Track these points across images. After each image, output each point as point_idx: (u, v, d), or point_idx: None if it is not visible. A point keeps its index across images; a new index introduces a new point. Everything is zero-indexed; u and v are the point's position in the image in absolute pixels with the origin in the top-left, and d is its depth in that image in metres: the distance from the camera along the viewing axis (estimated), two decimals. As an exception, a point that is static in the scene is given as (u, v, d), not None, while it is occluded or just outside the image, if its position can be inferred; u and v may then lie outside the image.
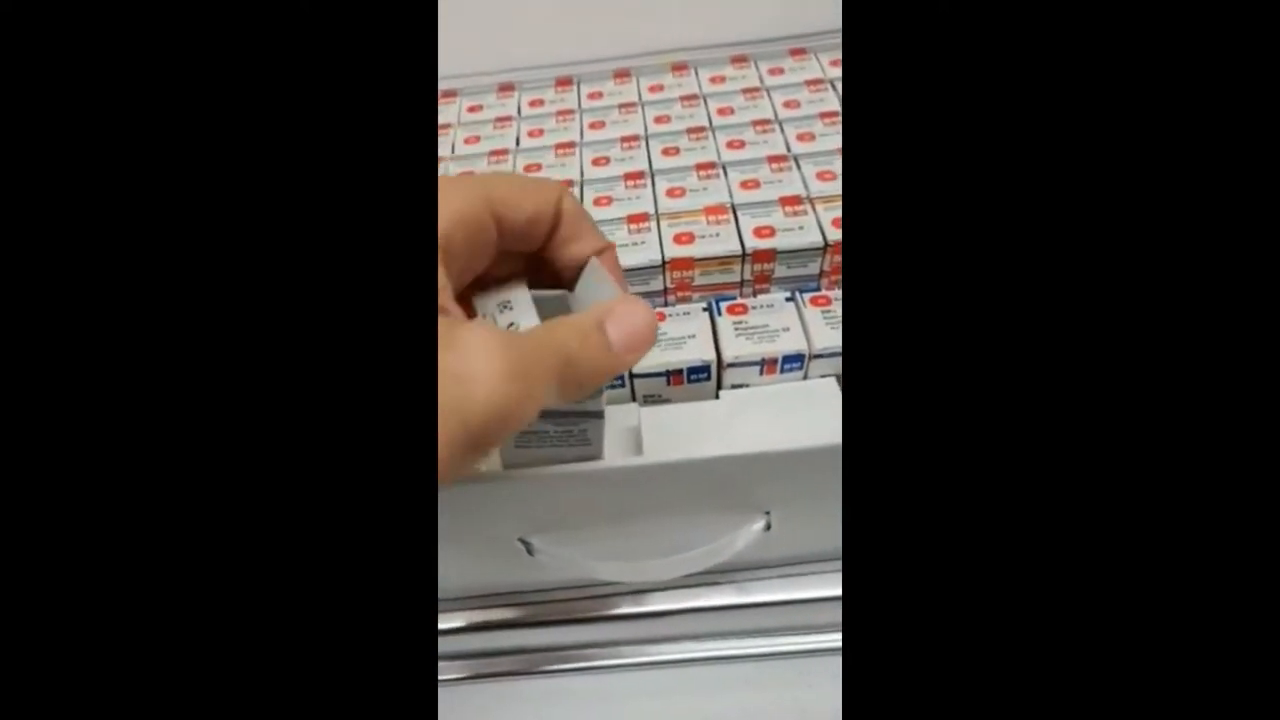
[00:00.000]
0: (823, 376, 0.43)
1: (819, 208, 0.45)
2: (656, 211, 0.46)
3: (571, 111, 0.58)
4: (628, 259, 0.43)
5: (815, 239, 0.43)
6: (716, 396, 0.43)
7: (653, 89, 0.60)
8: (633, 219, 0.46)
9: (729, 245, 0.43)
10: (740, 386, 0.43)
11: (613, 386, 0.42)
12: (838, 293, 0.44)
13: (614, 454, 0.39)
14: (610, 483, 0.35)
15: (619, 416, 0.41)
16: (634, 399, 0.43)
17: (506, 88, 0.63)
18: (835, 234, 0.43)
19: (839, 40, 0.63)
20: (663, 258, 0.43)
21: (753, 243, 0.43)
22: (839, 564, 0.43)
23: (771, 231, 0.43)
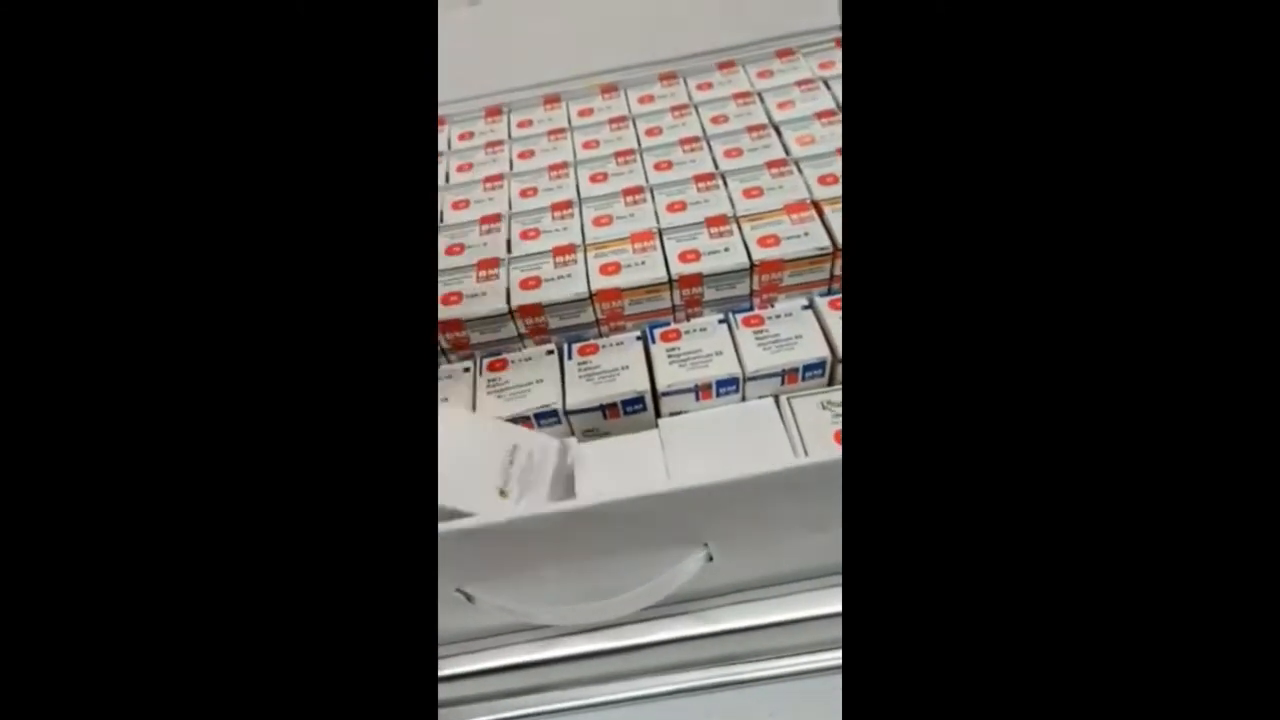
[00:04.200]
0: (760, 398, 0.42)
1: (744, 226, 0.45)
2: (583, 242, 0.46)
3: (501, 143, 0.58)
4: (554, 294, 0.42)
5: (740, 260, 0.42)
6: (656, 425, 0.42)
7: (582, 113, 0.60)
8: (559, 251, 0.45)
9: (655, 273, 0.42)
10: (679, 413, 0.42)
11: (550, 424, 0.41)
12: (769, 311, 0.44)
13: (548, 496, 0.38)
14: (543, 529, 0.34)
15: (555, 454, 0.41)
16: (572, 434, 0.42)
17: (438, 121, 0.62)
18: (761, 253, 0.43)
19: (767, 51, 0.63)
20: (589, 290, 0.42)
21: (678, 268, 0.42)
22: (792, 586, 0.43)
23: (697, 255, 0.43)
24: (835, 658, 0.43)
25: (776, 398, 0.42)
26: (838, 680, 0.45)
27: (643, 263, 0.43)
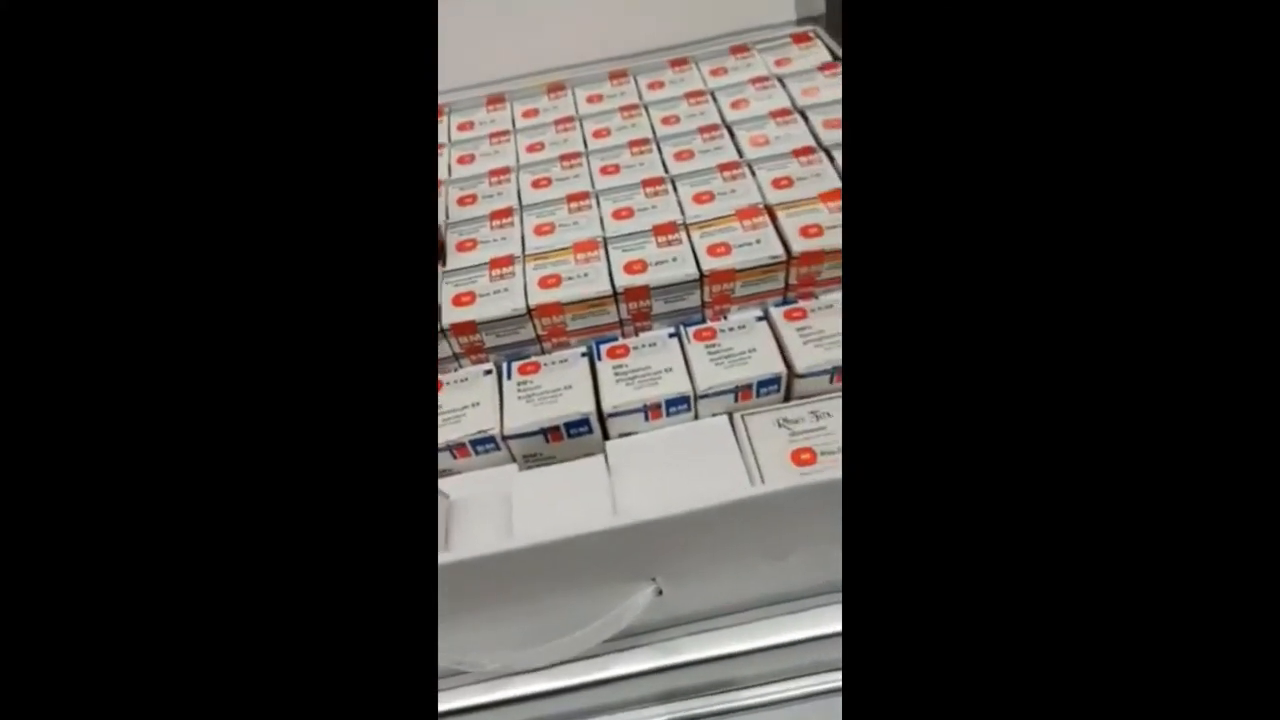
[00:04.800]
0: (714, 415, 0.40)
1: (694, 234, 0.42)
2: (523, 253, 0.43)
3: (440, 146, 0.55)
4: (490, 309, 0.39)
5: (689, 270, 0.40)
6: (604, 447, 0.39)
7: (527, 114, 0.57)
8: (496, 263, 0.42)
9: (599, 286, 0.40)
10: (629, 434, 0.40)
11: (487, 450, 0.38)
12: (722, 324, 0.42)
13: (484, 532, 0.35)
14: (480, 570, 0.31)
15: (493, 482, 0.38)
16: (513, 459, 0.39)
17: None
18: (711, 263, 0.40)
19: (721, 48, 0.60)
20: (527, 305, 0.39)
21: (623, 280, 0.40)
22: (754, 614, 0.40)
23: (643, 266, 0.40)
24: (799, 686, 0.41)
25: (731, 415, 0.40)
26: (802, 710, 0.42)
27: (585, 275, 0.40)
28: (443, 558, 0.29)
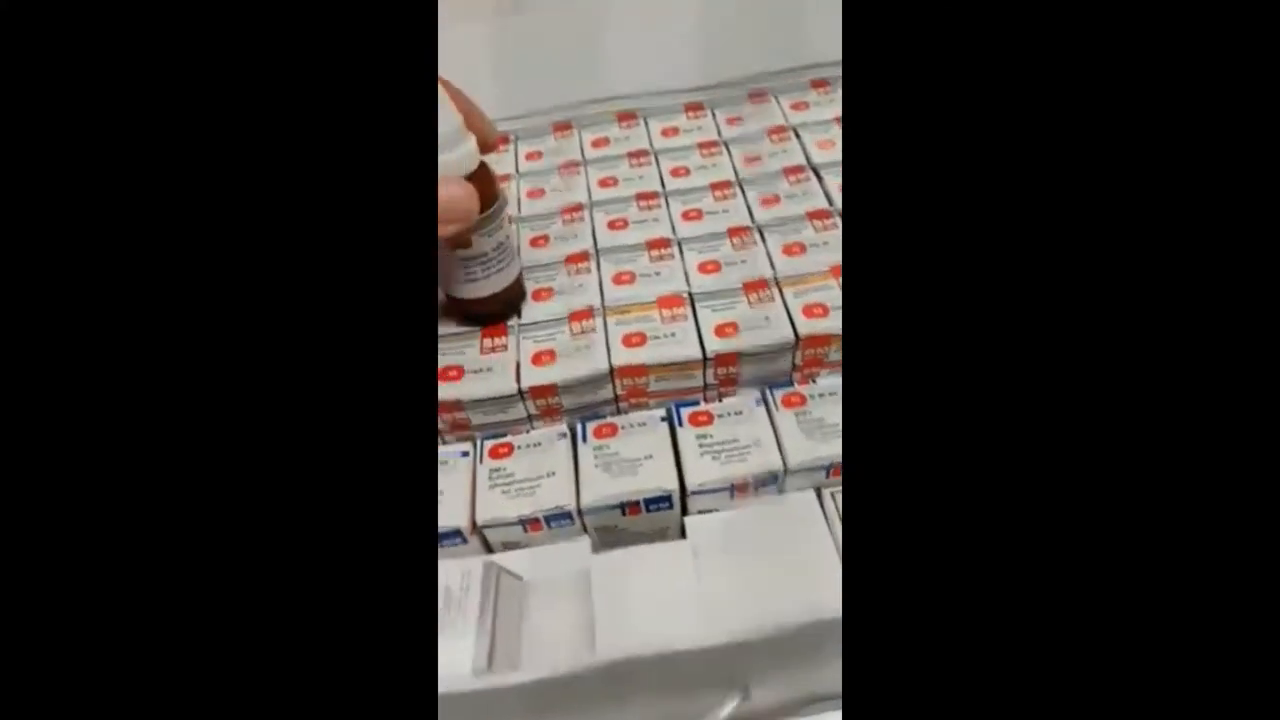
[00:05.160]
0: (800, 490, 0.37)
1: (787, 292, 0.39)
2: (602, 304, 0.40)
3: (508, 176, 0.52)
4: (571, 370, 0.37)
5: (785, 334, 0.37)
6: (682, 529, 0.36)
7: (596, 143, 0.54)
8: (575, 316, 0.39)
9: (687, 349, 0.37)
10: (709, 511, 0.37)
11: (562, 525, 0.36)
12: (810, 388, 0.38)
13: (563, 629, 0.33)
14: (556, 688, 0.28)
15: (567, 559, 0.35)
16: (585, 532, 0.37)
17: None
18: (807, 326, 0.37)
19: (802, 81, 0.57)
20: (610, 366, 0.37)
21: (714, 345, 0.37)
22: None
23: (735, 329, 0.37)
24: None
25: (819, 491, 0.37)
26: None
27: (673, 335, 0.38)
28: (520, 677, 0.27)
